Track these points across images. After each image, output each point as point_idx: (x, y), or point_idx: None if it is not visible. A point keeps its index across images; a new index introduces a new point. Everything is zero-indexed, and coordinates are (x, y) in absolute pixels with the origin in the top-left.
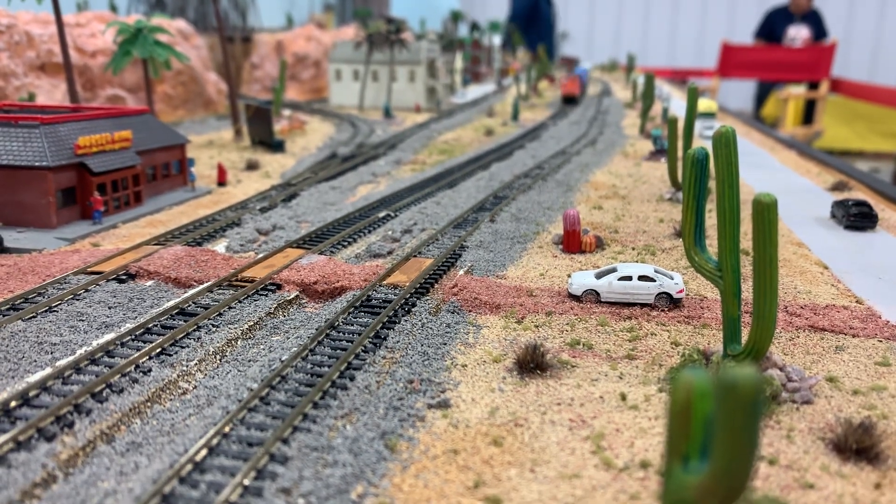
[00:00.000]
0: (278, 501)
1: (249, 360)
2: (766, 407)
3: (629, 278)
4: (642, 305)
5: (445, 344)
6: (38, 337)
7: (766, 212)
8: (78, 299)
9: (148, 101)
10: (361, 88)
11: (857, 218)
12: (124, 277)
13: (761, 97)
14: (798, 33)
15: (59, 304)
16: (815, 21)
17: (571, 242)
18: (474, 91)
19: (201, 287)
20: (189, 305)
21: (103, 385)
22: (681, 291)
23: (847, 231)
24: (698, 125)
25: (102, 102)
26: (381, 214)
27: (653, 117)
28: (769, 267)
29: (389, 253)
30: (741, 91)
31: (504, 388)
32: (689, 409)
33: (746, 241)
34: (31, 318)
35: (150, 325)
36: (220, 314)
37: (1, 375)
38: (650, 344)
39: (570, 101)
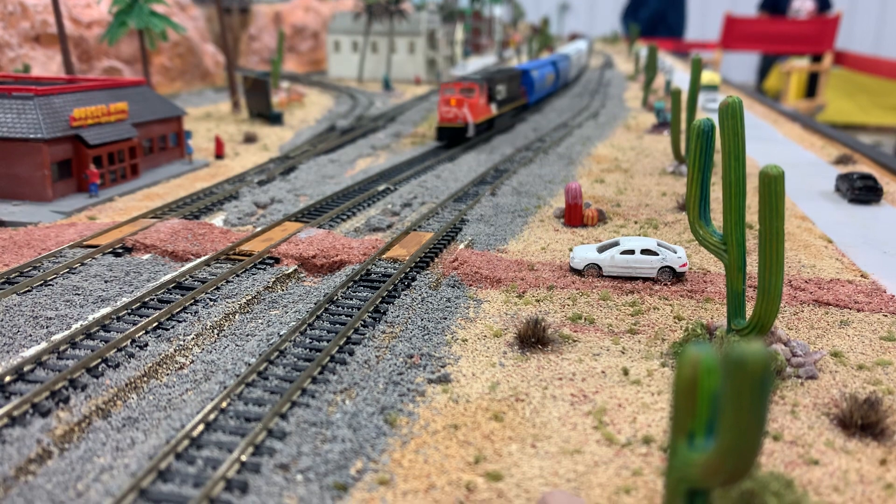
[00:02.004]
0: (276, 477)
1: (247, 335)
2: (774, 383)
3: (632, 252)
4: (645, 279)
5: (446, 318)
6: (33, 311)
7: (773, 184)
8: (74, 273)
9: (144, 72)
10: (360, 60)
11: (862, 191)
12: (121, 251)
13: (764, 70)
14: (803, 5)
15: (55, 277)
16: None
17: (573, 216)
18: (475, 63)
19: (199, 261)
20: (186, 279)
21: (99, 360)
22: (684, 265)
23: (851, 204)
24: (701, 98)
25: (98, 74)
26: (381, 188)
27: (655, 90)
28: (775, 240)
29: (389, 227)
30: (744, 64)
31: (505, 363)
32: (695, 385)
33: (750, 215)
34: (26, 291)
35: (146, 299)
36: (217, 288)
37: None
38: (653, 318)
39: (452, 136)
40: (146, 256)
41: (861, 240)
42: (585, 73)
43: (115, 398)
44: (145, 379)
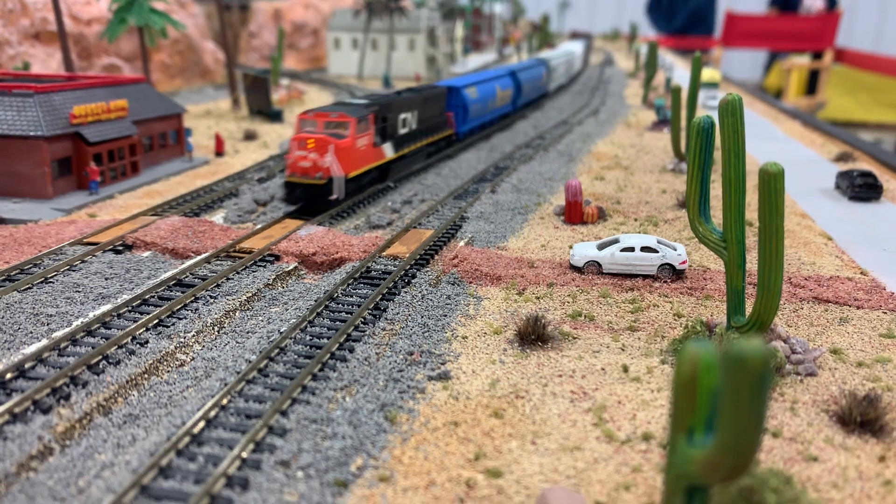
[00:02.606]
0: (277, 474)
1: (248, 332)
2: (773, 380)
3: (632, 249)
4: (645, 277)
5: (446, 315)
6: (34, 308)
7: (772, 181)
8: (74, 270)
9: (144, 70)
10: (360, 57)
11: (862, 189)
12: (121, 248)
13: (772, 67)
14: (813, 4)
15: (56, 275)
16: None
17: (573, 213)
18: (475, 60)
19: (199, 258)
20: (186, 276)
21: (100, 357)
22: (684, 262)
23: (851, 202)
24: (701, 95)
25: (98, 71)
26: (381, 185)
27: (655, 87)
28: (775, 237)
29: (389, 224)
30: (751, 61)
31: (505, 360)
32: (695, 382)
33: (750, 212)
34: (27, 289)
35: (147, 297)
36: (217, 285)
37: None
38: (652, 315)
39: (307, 197)
40: (146, 254)
41: (861, 237)
42: (583, 74)
43: (116, 395)
44: (146, 376)
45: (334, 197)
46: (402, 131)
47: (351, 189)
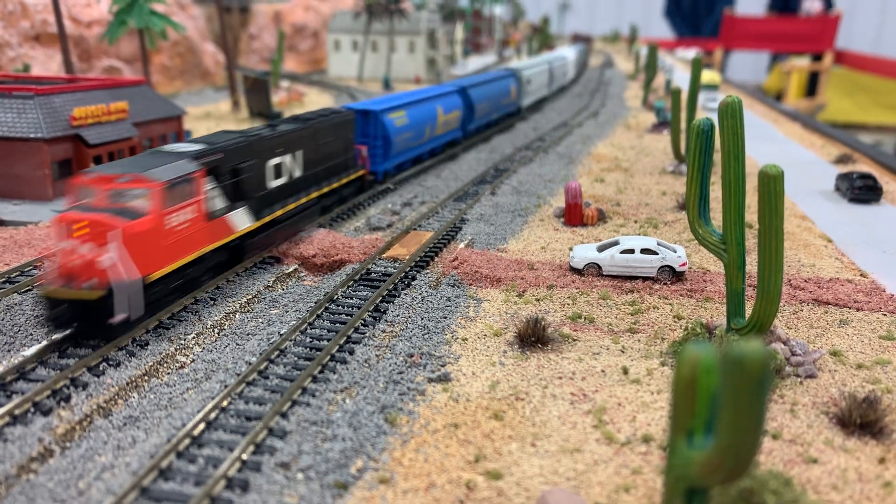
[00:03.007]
0: (277, 476)
1: (248, 334)
2: (773, 382)
3: (631, 251)
4: (644, 279)
5: (446, 318)
6: (34, 310)
7: (772, 183)
8: None
9: (144, 71)
10: (360, 59)
11: (862, 191)
12: None
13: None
14: (812, 6)
15: None
16: None
17: (573, 215)
18: (475, 62)
19: None
20: None
21: (100, 359)
22: (683, 264)
23: (851, 204)
24: (701, 97)
25: (98, 73)
26: (381, 187)
27: (655, 89)
28: (775, 239)
29: (389, 226)
30: (751, 62)
31: (505, 362)
32: (695, 383)
33: (749, 214)
34: (27, 291)
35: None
36: (218, 287)
37: None
38: (652, 317)
39: (80, 319)
40: None
41: (860, 239)
42: (581, 79)
43: (117, 397)
44: (146, 378)
45: (120, 318)
46: (275, 184)
47: (162, 294)
